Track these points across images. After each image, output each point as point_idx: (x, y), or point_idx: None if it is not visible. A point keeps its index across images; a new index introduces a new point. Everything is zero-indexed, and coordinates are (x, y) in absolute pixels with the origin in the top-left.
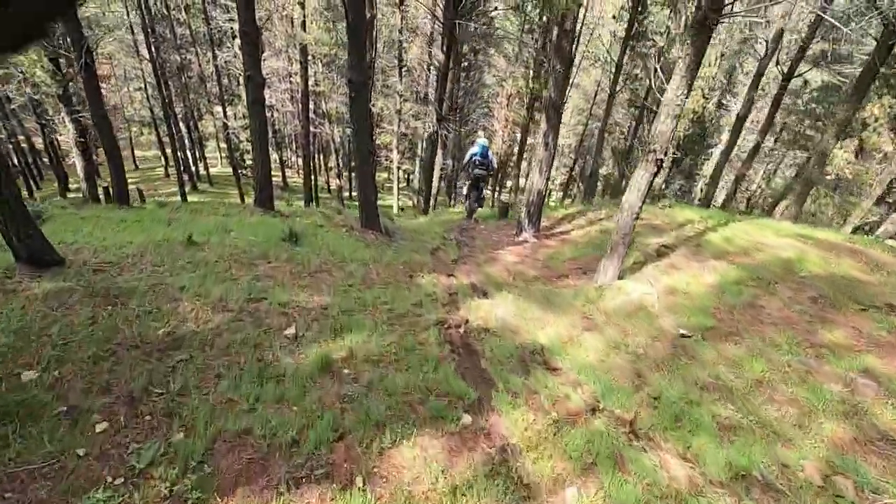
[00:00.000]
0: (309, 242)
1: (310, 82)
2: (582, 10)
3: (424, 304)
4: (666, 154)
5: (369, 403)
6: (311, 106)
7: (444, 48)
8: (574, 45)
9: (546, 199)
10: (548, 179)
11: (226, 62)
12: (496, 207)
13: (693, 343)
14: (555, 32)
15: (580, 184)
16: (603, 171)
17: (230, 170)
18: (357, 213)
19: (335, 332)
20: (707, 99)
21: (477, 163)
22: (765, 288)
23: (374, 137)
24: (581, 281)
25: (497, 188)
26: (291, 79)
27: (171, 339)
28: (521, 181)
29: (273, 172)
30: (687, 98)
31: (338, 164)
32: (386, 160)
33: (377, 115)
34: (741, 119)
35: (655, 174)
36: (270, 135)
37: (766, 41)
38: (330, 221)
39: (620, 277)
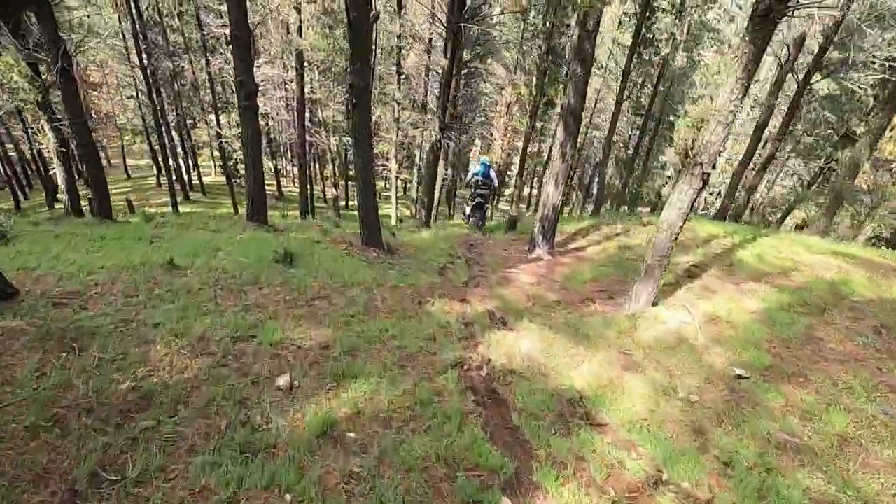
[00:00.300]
0: (305, 263)
1: (306, 90)
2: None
3: (438, 339)
4: (714, 167)
5: (382, 487)
6: (308, 114)
7: (448, 54)
8: (594, 48)
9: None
10: (565, 192)
11: (219, 69)
12: (502, 219)
13: (752, 386)
14: (575, 34)
15: (578, 192)
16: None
17: (224, 179)
18: (356, 225)
19: (337, 379)
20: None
21: (480, 183)
22: (818, 316)
23: (372, 146)
24: (609, 307)
25: (496, 197)
26: (287, 86)
27: (136, 396)
28: (526, 190)
29: (267, 181)
30: (741, 103)
31: (334, 174)
32: (384, 169)
33: (374, 123)
34: (760, 128)
35: (700, 190)
36: (265, 143)
37: (788, 46)
38: (327, 236)
39: (654, 304)
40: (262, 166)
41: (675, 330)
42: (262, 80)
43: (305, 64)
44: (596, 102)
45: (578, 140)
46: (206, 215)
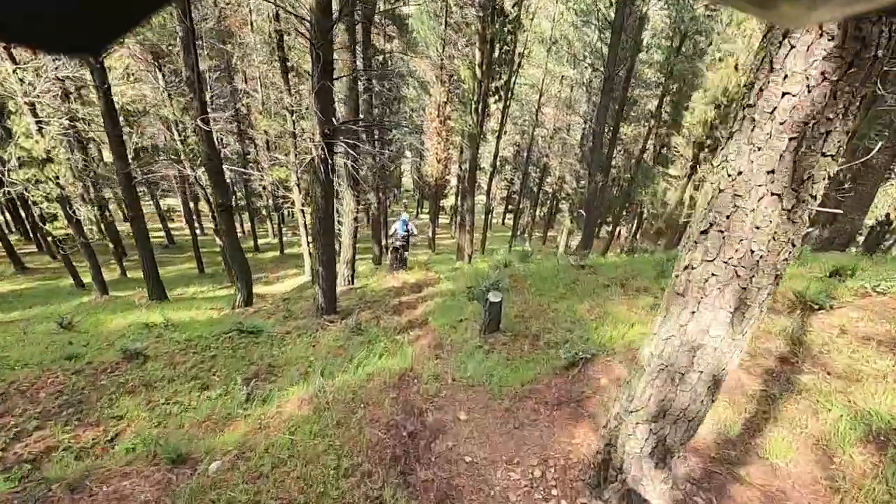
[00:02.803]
0: None
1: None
2: None
3: None
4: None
5: None
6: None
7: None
8: None
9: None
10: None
11: None
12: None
13: None
14: None
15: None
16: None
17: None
18: None
19: None
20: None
21: (399, 237)
22: None
23: (220, 171)
24: None
25: (434, 212)
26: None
27: None
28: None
29: (153, 225)
30: None
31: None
32: (284, 202)
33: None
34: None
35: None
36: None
37: None
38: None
39: None
40: None
41: None
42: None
43: None
44: (541, 95)
45: (518, 140)
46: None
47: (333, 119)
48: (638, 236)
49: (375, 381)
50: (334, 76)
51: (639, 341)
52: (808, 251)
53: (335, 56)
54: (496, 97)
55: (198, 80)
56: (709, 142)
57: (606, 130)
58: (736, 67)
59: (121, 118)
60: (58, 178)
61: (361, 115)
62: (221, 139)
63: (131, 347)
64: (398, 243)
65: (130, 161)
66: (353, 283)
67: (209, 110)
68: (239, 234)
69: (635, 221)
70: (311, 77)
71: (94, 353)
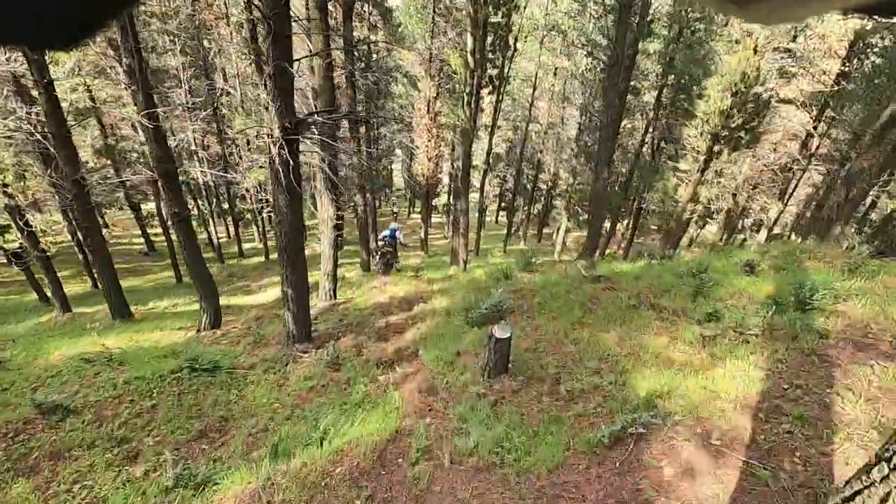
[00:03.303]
0: None
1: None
2: None
3: None
4: None
5: None
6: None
7: None
8: None
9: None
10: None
11: None
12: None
13: None
14: None
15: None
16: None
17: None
18: None
19: None
20: None
21: (387, 243)
22: None
23: (174, 175)
24: None
25: (426, 212)
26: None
27: None
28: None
29: (135, 231)
30: None
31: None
32: (267, 204)
33: (232, 140)
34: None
35: None
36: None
37: None
38: None
39: None
40: None
41: None
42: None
43: None
44: (535, 88)
45: (510, 136)
46: None
47: (297, 111)
48: (635, 234)
49: (345, 464)
50: (294, 57)
51: (708, 404)
52: None
53: (309, 42)
54: (490, 88)
55: (140, 68)
56: (725, 133)
57: (609, 121)
58: (755, 50)
59: (69, 117)
60: (6, 185)
61: (342, 110)
62: (203, 140)
63: (46, 402)
64: (387, 249)
65: (84, 165)
66: (335, 298)
67: (158, 104)
68: (224, 240)
69: (631, 218)
70: (266, 56)
71: (0, 408)
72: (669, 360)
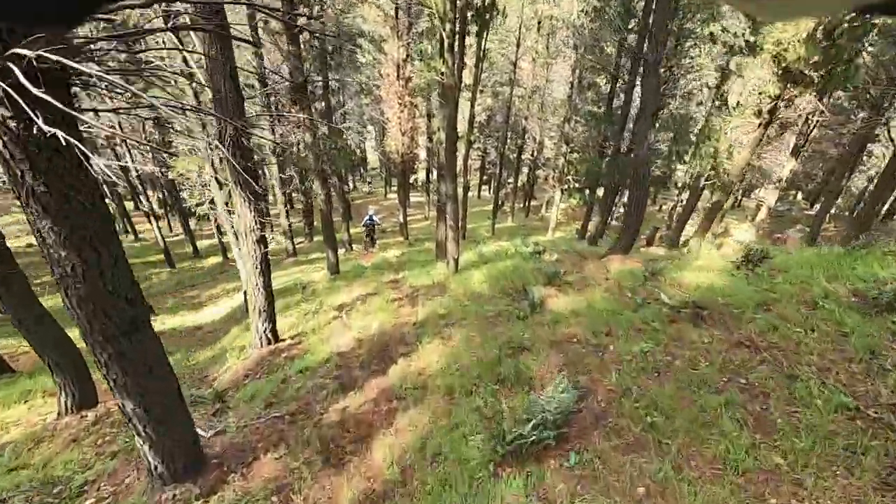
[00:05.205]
0: None
1: None
2: None
3: None
4: None
5: None
6: None
7: None
8: None
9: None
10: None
11: None
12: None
13: None
14: None
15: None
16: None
17: None
18: None
19: None
20: None
21: (367, 225)
22: None
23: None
24: None
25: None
26: None
27: None
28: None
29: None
30: None
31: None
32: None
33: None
34: None
35: None
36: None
37: None
38: None
39: None
40: None
41: None
42: None
43: None
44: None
45: (490, 103)
46: None
47: None
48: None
49: None
50: None
51: None
52: None
53: None
54: (477, 29)
55: None
56: (812, 74)
57: (654, 61)
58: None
59: None
60: None
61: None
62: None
63: None
64: (369, 228)
65: None
66: (275, 340)
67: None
68: (174, 238)
69: (687, 193)
70: None
71: None
72: None
